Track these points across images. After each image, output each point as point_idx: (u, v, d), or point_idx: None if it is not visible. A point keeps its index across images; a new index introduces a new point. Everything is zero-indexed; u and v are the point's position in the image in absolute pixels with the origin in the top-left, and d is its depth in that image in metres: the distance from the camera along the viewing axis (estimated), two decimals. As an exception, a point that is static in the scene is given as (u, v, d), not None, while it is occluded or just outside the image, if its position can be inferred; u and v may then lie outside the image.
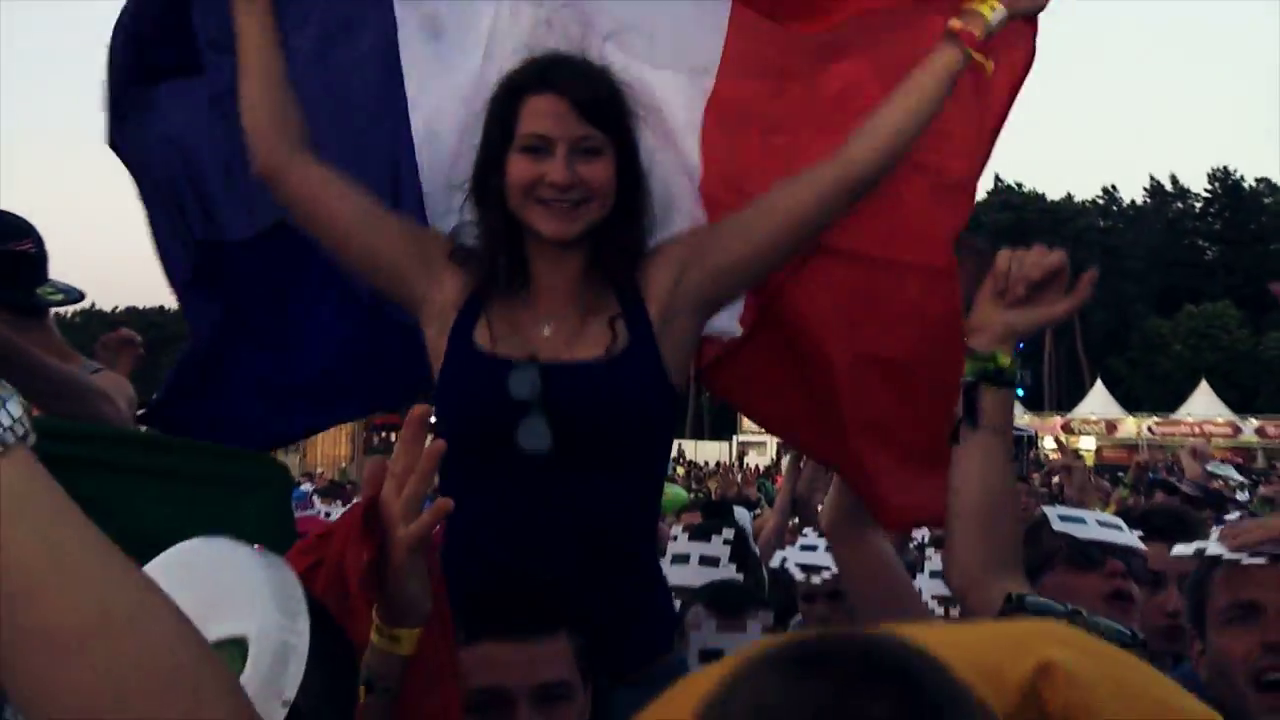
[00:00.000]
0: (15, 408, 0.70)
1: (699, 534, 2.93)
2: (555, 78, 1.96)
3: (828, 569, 3.13)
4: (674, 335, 2.02)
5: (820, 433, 2.31)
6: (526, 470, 1.93)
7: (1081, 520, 2.15)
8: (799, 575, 3.48)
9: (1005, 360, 1.93)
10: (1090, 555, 2.11)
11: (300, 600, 1.02)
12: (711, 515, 5.04)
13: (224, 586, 1.00)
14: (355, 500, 1.54)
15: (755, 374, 2.32)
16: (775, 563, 3.73)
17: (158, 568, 1.00)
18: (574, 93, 1.94)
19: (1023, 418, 31.55)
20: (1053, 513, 2.19)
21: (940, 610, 3.03)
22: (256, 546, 1.08)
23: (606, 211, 1.98)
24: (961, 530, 1.91)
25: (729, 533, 2.89)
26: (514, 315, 2.02)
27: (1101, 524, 2.16)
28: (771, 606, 3.52)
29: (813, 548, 3.31)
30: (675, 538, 2.89)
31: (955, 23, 2.01)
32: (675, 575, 2.77)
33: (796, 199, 2.03)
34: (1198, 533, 2.74)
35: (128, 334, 3.57)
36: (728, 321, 2.24)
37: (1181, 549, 1.81)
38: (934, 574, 3.08)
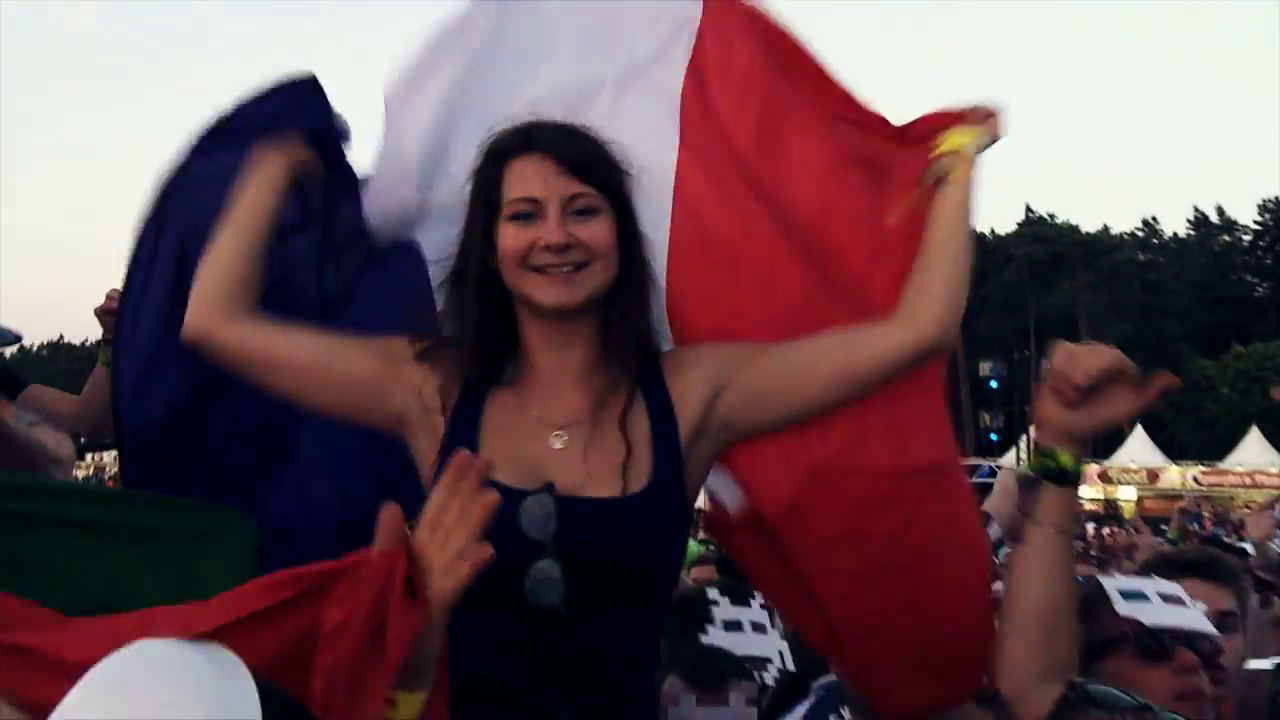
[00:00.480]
0: None
1: (738, 597, 3.00)
2: (538, 139, 1.94)
3: None
4: (697, 459, 1.99)
5: (816, 621, 2.16)
6: (530, 613, 1.84)
7: (1145, 597, 2.11)
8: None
9: (1066, 460, 1.92)
10: (1162, 644, 2.07)
11: (254, 708, 0.98)
12: (728, 572, 5.03)
13: (169, 702, 0.96)
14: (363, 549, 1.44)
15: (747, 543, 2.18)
16: None
17: (99, 682, 0.97)
18: (559, 151, 1.92)
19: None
20: (1112, 587, 2.16)
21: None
22: (207, 645, 1.05)
23: (610, 279, 1.94)
24: (1016, 637, 1.88)
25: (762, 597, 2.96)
26: (515, 419, 1.95)
27: (1165, 598, 2.13)
28: (798, 666, 3.56)
29: None
30: (717, 602, 2.96)
31: (949, 170, 2.05)
32: (733, 643, 2.83)
33: (860, 358, 2.01)
34: (1236, 577, 2.68)
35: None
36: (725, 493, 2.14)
37: (1258, 664, 1.77)
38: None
